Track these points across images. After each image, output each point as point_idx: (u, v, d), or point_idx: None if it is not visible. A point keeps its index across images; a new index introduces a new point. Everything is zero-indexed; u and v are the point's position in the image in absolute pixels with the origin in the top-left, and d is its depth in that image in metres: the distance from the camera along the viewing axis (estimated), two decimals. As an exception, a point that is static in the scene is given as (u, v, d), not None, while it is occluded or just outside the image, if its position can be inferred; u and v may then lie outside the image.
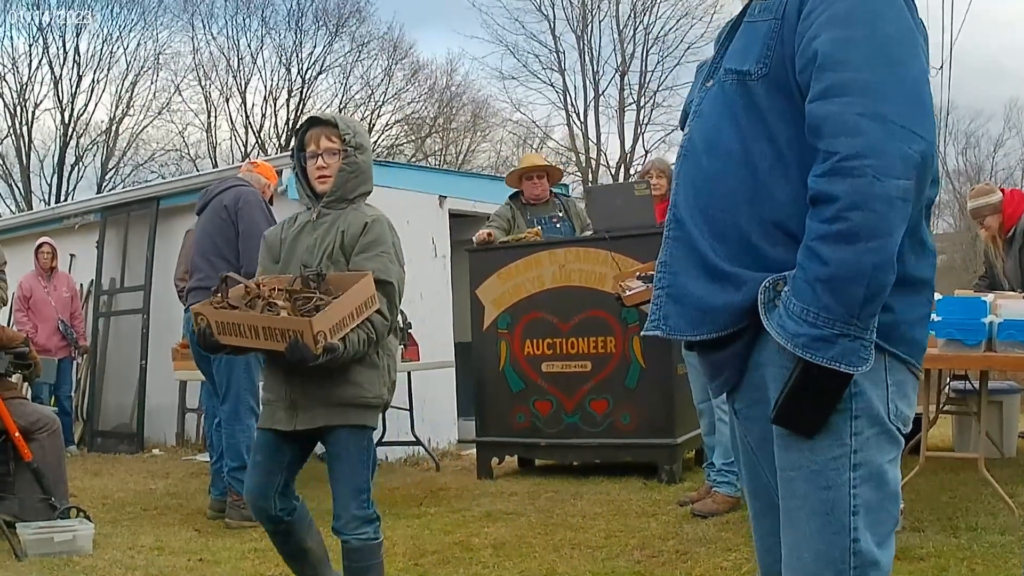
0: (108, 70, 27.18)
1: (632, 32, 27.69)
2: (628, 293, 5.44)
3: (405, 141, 29.52)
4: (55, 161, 26.91)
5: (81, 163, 27.49)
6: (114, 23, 27.08)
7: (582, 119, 28.35)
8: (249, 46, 28.53)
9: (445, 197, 9.14)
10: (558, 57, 28.38)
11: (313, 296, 3.05)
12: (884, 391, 1.68)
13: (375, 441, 7.97)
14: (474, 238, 6.80)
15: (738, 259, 1.72)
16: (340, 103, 28.79)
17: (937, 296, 4.35)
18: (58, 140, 26.90)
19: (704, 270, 1.76)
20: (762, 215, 1.72)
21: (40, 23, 25.80)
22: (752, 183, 1.73)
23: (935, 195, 1.73)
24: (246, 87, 28.80)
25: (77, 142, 27.23)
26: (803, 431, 1.67)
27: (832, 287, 1.58)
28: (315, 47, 28.54)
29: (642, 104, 28.06)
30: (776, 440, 1.74)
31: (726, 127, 1.77)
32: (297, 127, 3.42)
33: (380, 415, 3.27)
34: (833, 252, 1.58)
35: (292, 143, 3.40)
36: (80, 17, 26.10)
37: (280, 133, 28.48)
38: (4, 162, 26.77)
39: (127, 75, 27.29)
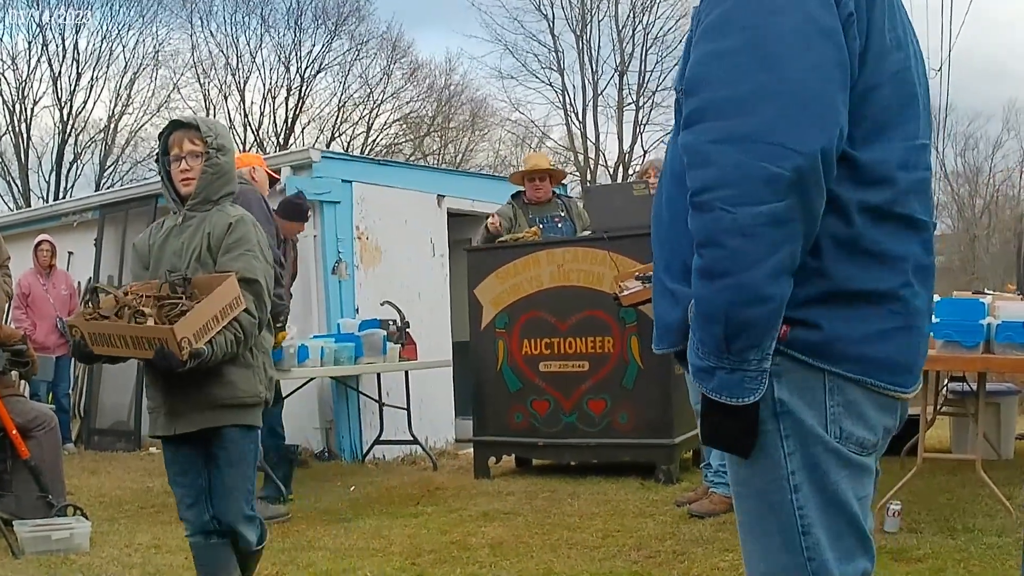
0: (107, 67, 27.18)
1: (631, 32, 27.68)
2: (626, 293, 5.45)
3: (403, 140, 29.49)
4: (54, 158, 26.88)
5: (80, 160, 27.48)
6: (113, 21, 27.09)
7: (581, 119, 28.35)
8: (248, 44, 28.54)
9: (443, 196, 9.14)
10: (557, 57, 28.39)
11: (179, 301, 3.08)
12: (822, 411, 1.60)
13: (373, 440, 8.02)
14: (487, 225, 6.84)
15: (682, 276, 1.66)
16: (339, 101, 28.83)
17: (936, 298, 4.36)
18: (57, 137, 26.87)
19: (663, 285, 1.74)
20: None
21: (39, 20, 25.83)
22: (687, 202, 1.64)
23: (885, 198, 1.59)
24: (245, 85, 28.80)
25: (76, 139, 27.21)
26: (733, 451, 1.64)
27: (699, 322, 1.55)
28: (314, 46, 28.55)
29: (641, 104, 28.05)
30: (725, 457, 1.73)
31: (676, 145, 1.71)
32: (160, 132, 3.47)
33: (261, 414, 3.33)
34: (697, 288, 1.55)
35: (156, 148, 3.46)
36: (79, 15, 26.10)
37: (279, 132, 28.47)
38: (3, 159, 26.72)
39: (126, 72, 27.28)
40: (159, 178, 3.44)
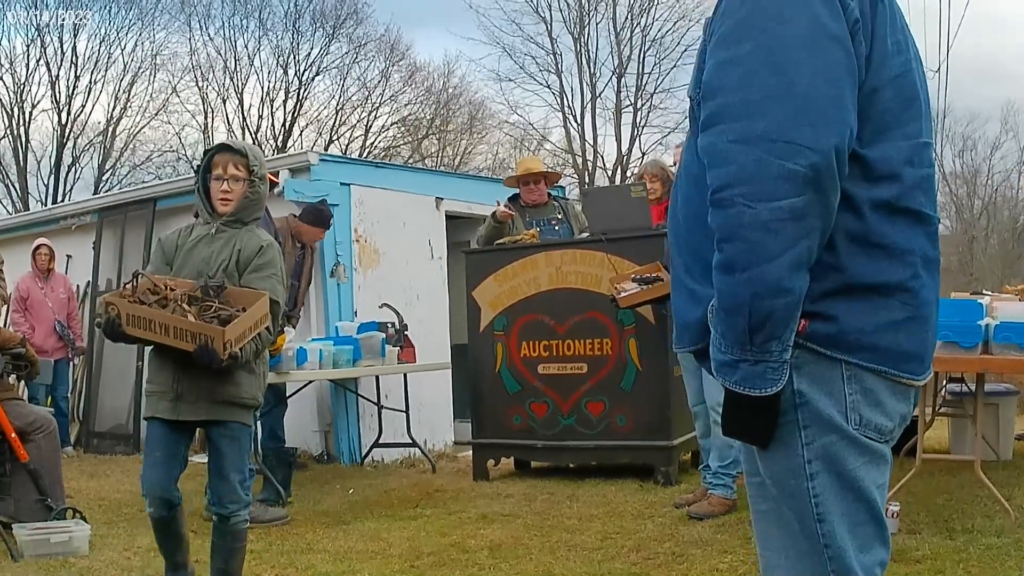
0: (105, 71, 27.11)
1: (629, 34, 27.70)
2: (623, 295, 5.46)
3: (402, 143, 29.47)
4: (52, 162, 26.84)
5: (78, 164, 27.43)
6: (111, 24, 27.09)
7: (579, 121, 28.36)
8: (246, 47, 28.49)
9: (442, 199, 9.14)
10: (555, 59, 28.41)
11: (212, 305, 3.45)
12: (841, 400, 1.66)
13: (371, 443, 8.03)
14: (496, 212, 6.80)
15: (704, 276, 1.71)
16: (337, 104, 28.83)
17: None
18: (55, 141, 26.82)
19: (683, 284, 1.81)
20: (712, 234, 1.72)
21: (38, 23, 25.81)
22: (705, 203, 1.70)
23: (893, 193, 1.65)
24: (243, 88, 28.75)
25: (74, 143, 27.18)
26: (753, 442, 1.70)
27: (722, 317, 1.61)
28: (312, 48, 28.50)
29: (639, 106, 28.06)
30: (742, 447, 1.80)
31: (692, 148, 1.78)
32: (207, 149, 3.80)
33: (262, 416, 3.59)
34: (718, 282, 1.61)
35: (200, 163, 3.77)
36: (78, 17, 26.07)
37: (277, 135, 28.44)
38: (1, 163, 26.69)
39: (124, 76, 27.24)
40: (194, 189, 3.74)
